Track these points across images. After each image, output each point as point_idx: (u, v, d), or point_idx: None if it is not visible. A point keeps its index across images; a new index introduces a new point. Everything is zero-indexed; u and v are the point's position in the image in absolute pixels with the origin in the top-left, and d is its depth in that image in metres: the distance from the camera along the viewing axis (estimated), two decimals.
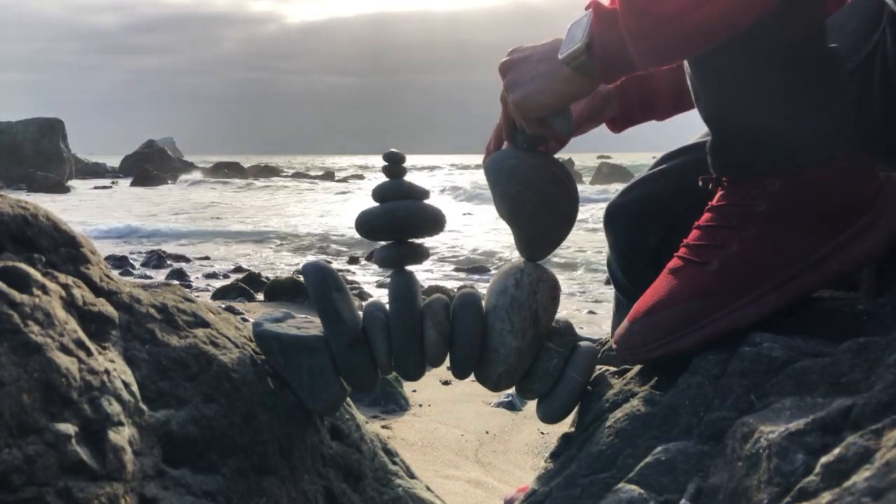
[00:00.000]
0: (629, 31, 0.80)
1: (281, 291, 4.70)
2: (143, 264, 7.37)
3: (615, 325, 1.31)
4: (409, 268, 1.06)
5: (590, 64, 0.85)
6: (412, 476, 1.20)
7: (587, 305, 5.61)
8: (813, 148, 0.89)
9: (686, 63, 0.94)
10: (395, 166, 1.04)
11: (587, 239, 9.26)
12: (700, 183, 0.98)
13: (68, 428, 0.70)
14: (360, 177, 31.03)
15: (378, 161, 1.09)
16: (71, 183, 26.91)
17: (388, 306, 1.03)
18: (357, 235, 1.18)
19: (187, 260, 7.90)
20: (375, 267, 7.05)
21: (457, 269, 7.56)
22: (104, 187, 26.13)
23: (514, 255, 1.06)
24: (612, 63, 0.85)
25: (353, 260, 8.15)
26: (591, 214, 10.60)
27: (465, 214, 14.28)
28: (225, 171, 32.88)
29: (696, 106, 0.96)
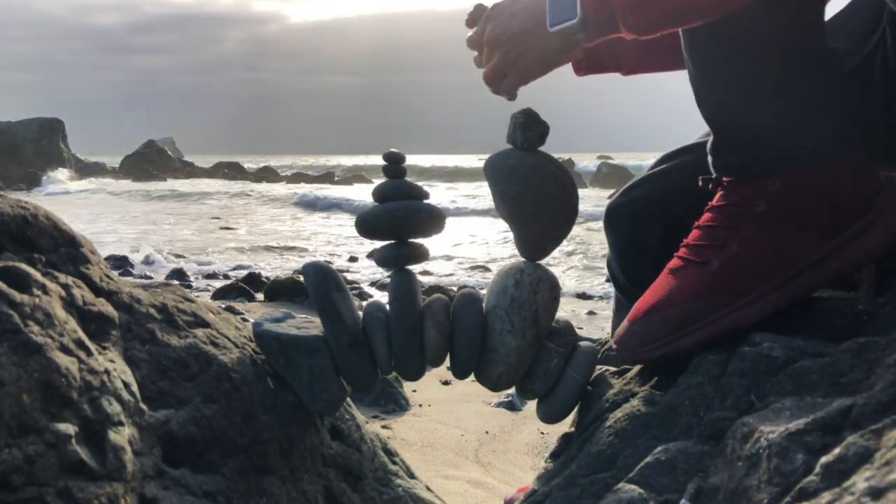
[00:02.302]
0: (622, 6, 0.85)
1: (281, 291, 4.70)
2: (143, 264, 7.36)
3: (615, 325, 1.31)
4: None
5: (580, 35, 0.90)
6: (412, 476, 1.20)
7: (587, 305, 5.61)
8: (813, 148, 0.89)
9: (687, 61, 0.94)
10: (395, 166, 1.04)
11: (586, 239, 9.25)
12: (700, 183, 0.98)
13: (68, 428, 0.70)
14: (361, 177, 30.80)
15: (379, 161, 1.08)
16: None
17: (388, 306, 1.03)
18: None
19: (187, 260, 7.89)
20: (375, 266, 7.04)
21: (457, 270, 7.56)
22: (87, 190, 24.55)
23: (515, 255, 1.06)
24: (602, 34, 0.89)
25: (353, 259, 8.15)
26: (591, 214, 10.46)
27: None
28: (225, 170, 32.84)
29: (698, 105, 0.96)
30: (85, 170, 32.78)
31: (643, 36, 0.88)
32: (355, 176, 31.11)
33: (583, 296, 6.05)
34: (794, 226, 0.89)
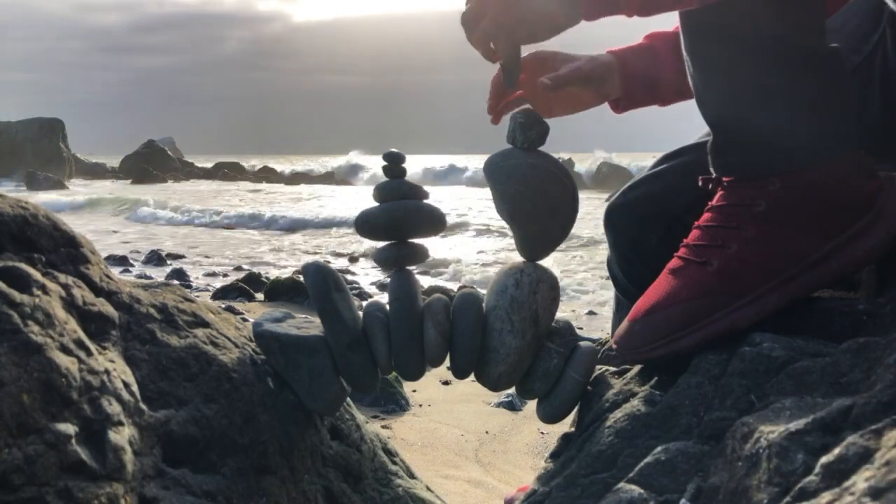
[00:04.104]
0: None
1: (281, 291, 4.70)
2: (143, 263, 7.37)
3: (615, 325, 1.31)
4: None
5: (579, 10, 0.89)
6: (412, 476, 1.20)
7: (587, 305, 5.61)
8: (813, 148, 0.89)
9: (688, 62, 0.94)
10: (395, 166, 1.04)
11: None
12: (700, 183, 0.98)
13: (68, 428, 0.70)
14: (362, 177, 30.60)
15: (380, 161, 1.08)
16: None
17: (388, 306, 1.03)
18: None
19: (187, 259, 7.89)
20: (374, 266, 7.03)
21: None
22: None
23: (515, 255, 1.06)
24: (603, 12, 0.88)
25: (353, 259, 8.15)
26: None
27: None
28: (225, 170, 32.78)
29: (698, 106, 0.96)
30: (85, 170, 32.77)
31: (643, 15, 0.87)
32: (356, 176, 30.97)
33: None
34: (794, 226, 0.89)
